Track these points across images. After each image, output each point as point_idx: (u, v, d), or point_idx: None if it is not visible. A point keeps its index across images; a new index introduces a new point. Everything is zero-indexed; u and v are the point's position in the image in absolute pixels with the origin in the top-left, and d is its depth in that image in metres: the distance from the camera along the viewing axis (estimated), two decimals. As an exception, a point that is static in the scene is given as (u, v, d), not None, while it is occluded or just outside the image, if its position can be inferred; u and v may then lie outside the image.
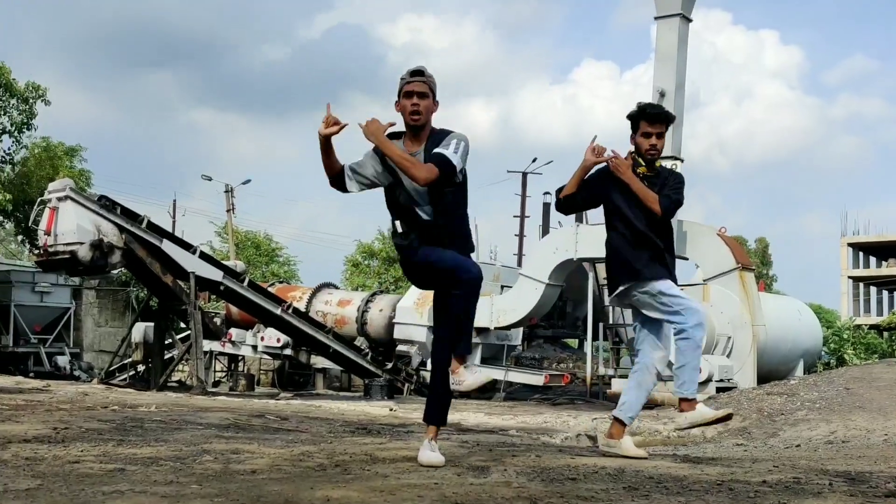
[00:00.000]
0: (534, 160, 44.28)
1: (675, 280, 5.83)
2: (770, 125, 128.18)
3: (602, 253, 6.03)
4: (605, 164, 5.77)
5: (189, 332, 19.02)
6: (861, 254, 55.82)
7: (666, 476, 4.78)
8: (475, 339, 19.23)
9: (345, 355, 19.99)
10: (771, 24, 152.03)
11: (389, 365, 20.35)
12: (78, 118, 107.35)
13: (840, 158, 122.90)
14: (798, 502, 4.00)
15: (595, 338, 19.09)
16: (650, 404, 13.54)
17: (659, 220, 5.75)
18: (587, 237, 17.83)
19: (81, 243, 16.99)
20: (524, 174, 44.20)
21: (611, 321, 19.37)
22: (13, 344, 24.23)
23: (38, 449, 5.14)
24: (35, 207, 18.69)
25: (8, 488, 3.77)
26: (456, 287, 4.82)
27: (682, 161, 17.72)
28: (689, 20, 19.13)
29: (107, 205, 17.64)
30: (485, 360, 19.80)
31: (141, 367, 22.84)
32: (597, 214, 12.68)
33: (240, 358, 25.30)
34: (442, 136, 4.92)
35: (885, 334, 41.00)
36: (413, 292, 20.74)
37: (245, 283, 19.17)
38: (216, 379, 25.16)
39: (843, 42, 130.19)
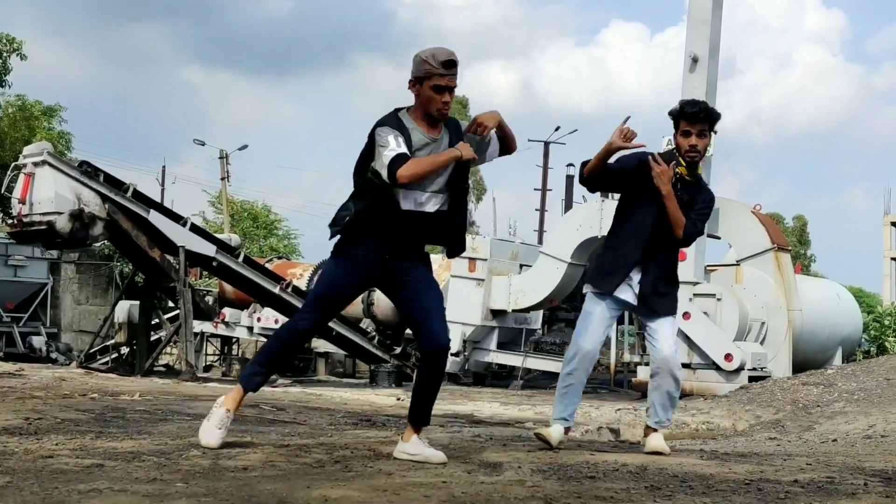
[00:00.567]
0: (557, 129, 44.36)
1: (649, 310, 5.91)
2: (810, 94, 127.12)
3: None
4: (643, 153, 5.82)
5: (178, 311, 19.05)
6: (905, 234, 55.45)
7: (691, 474, 4.82)
8: (491, 322, 19.29)
9: (349, 338, 19.97)
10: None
11: (398, 349, 20.37)
12: (57, 75, 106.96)
13: (884, 131, 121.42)
14: (831, 504, 4.04)
15: (620, 322, 19.08)
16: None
17: (673, 241, 5.88)
18: (613, 214, 17.72)
19: (60, 213, 16.95)
20: (546, 143, 44.22)
21: (638, 304, 19.29)
22: (-17, 322, 24.33)
23: (8, 442, 5.15)
24: (8, 173, 18.55)
25: (-26, 485, 3.78)
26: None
27: (715, 133, 17.63)
28: (726, -20, 18.97)
29: (88, 171, 17.60)
30: (502, 345, 19.84)
31: (124, 350, 22.80)
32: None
33: (234, 340, 25.33)
34: (455, 121, 5.07)
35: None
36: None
37: (240, 259, 19.19)
38: (207, 363, 25.22)
39: (890, 5, 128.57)
